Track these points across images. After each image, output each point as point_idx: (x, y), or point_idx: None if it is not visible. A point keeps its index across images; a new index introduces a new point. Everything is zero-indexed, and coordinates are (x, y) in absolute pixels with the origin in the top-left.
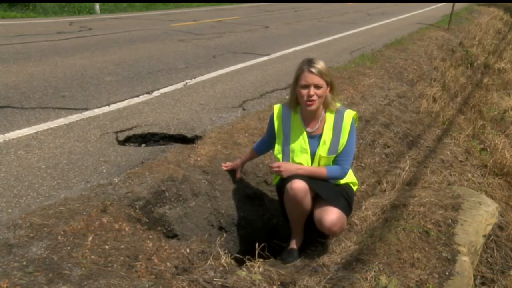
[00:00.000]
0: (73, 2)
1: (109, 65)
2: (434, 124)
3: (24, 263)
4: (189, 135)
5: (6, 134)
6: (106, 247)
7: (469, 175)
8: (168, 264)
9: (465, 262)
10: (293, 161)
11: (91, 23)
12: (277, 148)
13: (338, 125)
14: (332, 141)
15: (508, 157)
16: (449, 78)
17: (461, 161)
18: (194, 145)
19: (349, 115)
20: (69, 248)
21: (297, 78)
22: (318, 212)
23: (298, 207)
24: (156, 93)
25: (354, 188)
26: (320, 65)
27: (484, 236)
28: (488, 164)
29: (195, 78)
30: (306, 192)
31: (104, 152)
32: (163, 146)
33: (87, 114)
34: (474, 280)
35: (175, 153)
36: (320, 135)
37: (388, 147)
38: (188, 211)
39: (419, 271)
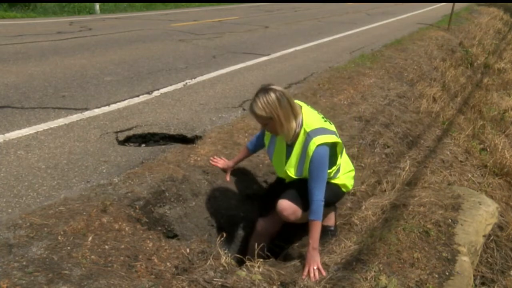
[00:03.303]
0: (73, 2)
1: (109, 65)
2: (434, 124)
3: (24, 263)
4: (189, 135)
5: (6, 134)
6: (106, 247)
7: (469, 175)
8: (168, 264)
9: (465, 262)
10: (275, 162)
11: (91, 23)
12: (266, 144)
13: (305, 148)
14: (298, 162)
15: (508, 157)
16: (449, 78)
17: (461, 161)
18: (194, 145)
19: (313, 145)
20: (69, 248)
21: None
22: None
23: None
24: (156, 93)
25: (345, 190)
26: (255, 107)
27: (484, 236)
28: (488, 164)
29: (195, 78)
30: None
31: (104, 152)
32: (163, 146)
33: (87, 114)
34: (474, 280)
35: (175, 153)
36: (292, 151)
37: (388, 147)
38: (188, 211)
39: (419, 271)
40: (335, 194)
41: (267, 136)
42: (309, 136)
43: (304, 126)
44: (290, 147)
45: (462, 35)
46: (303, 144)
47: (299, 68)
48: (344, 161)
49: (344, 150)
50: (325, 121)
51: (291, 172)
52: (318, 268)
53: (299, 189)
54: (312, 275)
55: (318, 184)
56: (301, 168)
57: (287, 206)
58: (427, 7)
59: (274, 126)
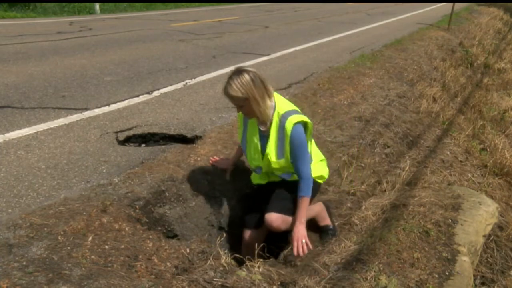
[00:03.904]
0: (73, 2)
1: (109, 65)
2: (434, 124)
3: (24, 263)
4: (189, 135)
5: (6, 134)
6: (106, 247)
7: (469, 175)
8: (168, 264)
9: (465, 262)
10: (249, 152)
11: (91, 23)
12: (239, 137)
13: (281, 130)
14: (277, 144)
15: (508, 157)
16: (449, 78)
17: (461, 161)
18: (194, 145)
19: (290, 122)
20: (69, 248)
21: None
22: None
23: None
24: (156, 93)
25: (321, 181)
26: (230, 88)
27: (484, 236)
28: (488, 164)
29: (195, 78)
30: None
31: (104, 152)
32: (163, 146)
33: (87, 114)
34: (474, 280)
35: (175, 153)
36: (268, 136)
37: (388, 147)
38: (188, 211)
39: (419, 271)
40: (312, 189)
41: (240, 125)
42: (283, 117)
43: (277, 109)
44: (264, 134)
45: (462, 35)
46: (278, 126)
47: (299, 68)
48: (314, 149)
49: (312, 139)
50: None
51: (272, 156)
52: (306, 242)
53: (283, 197)
54: (300, 249)
55: (303, 161)
56: (282, 150)
57: (275, 218)
58: (427, 7)
59: (250, 107)
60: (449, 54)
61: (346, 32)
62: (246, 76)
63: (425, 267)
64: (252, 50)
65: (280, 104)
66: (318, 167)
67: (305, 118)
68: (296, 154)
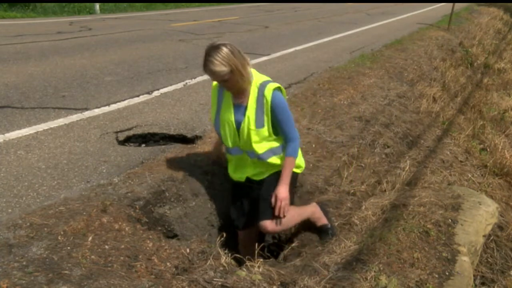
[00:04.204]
0: (73, 2)
1: (109, 65)
2: (434, 124)
3: (24, 263)
4: (189, 135)
5: (6, 134)
6: (106, 247)
7: (469, 175)
8: (168, 264)
9: (465, 262)
10: (223, 130)
11: (91, 23)
12: (212, 117)
13: (260, 98)
14: (256, 113)
15: (508, 157)
16: (449, 78)
17: (461, 161)
18: (194, 145)
19: (269, 88)
20: (69, 248)
21: None
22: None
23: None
24: (156, 93)
25: (298, 170)
26: (212, 65)
27: (484, 236)
28: (488, 164)
29: (195, 78)
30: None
31: (104, 152)
32: (163, 146)
33: (87, 114)
34: (474, 280)
35: (175, 153)
36: (246, 107)
37: (388, 147)
38: (188, 211)
39: (419, 271)
40: (291, 182)
41: (214, 102)
42: (262, 86)
43: (254, 81)
44: (241, 105)
45: (462, 35)
46: (257, 96)
47: (299, 68)
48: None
49: None
50: None
51: (251, 124)
52: (286, 205)
53: (267, 200)
54: (282, 211)
55: (288, 124)
56: (261, 119)
57: (269, 224)
58: (427, 7)
59: (234, 79)
60: (449, 54)
61: (346, 32)
62: (224, 49)
63: (425, 267)
64: (252, 50)
65: (256, 77)
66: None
67: (279, 85)
68: (281, 119)
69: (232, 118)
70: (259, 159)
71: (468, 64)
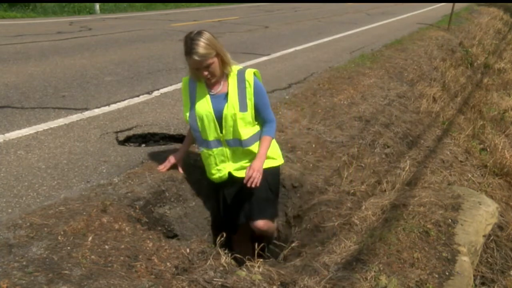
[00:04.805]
0: (73, 2)
1: (109, 65)
2: (434, 124)
3: (24, 263)
4: None
5: (6, 134)
6: (106, 247)
7: (469, 175)
8: (168, 264)
9: (465, 262)
10: (200, 123)
11: (91, 23)
12: (185, 113)
13: (241, 83)
14: (239, 98)
15: (508, 157)
16: (449, 78)
17: (461, 161)
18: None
19: (250, 73)
20: (69, 248)
21: (186, 59)
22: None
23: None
24: (156, 93)
25: (278, 163)
26: (200, 48)
27: (484, 236)
28: (488, 164)
29: None
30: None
31: (104, 152)
32: (163, 146)
33: (87, 114)
34: (474, 280)
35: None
36: (226, 94)
37: (388, 147)
38: (188, 211)
39: (419, 271)
40: (272, 181)
41: (186, 97)
42: (241, 71)
43: (232, 69)
44: (219, 94)
45: (462, 35)
46: (237, 81)
47: (299, 68)
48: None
49: None
50: None
51: (236, 109)
52: (258, 177)
53: (263, 198)
54: (254, 181)
55: (267, 107)
56: (244, 103)
57: (264, 224)
58: (427, 7)
59: (218, 65)
60: (449, 54)
61: (346, 32)
62: (206, 34)
63: (425, 267)
64: (252, 50)
65: (233, 66)
66: (272, 146)
67: (256, 70)
68: (262, 102)
69: (210, 108)
70: (243, 145)
71: (468, 64)
